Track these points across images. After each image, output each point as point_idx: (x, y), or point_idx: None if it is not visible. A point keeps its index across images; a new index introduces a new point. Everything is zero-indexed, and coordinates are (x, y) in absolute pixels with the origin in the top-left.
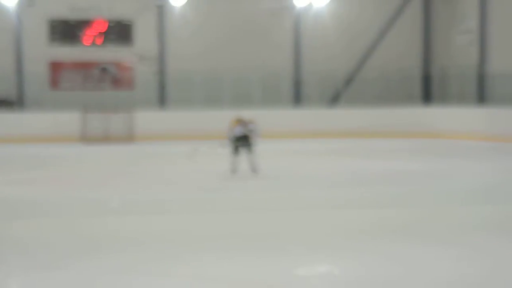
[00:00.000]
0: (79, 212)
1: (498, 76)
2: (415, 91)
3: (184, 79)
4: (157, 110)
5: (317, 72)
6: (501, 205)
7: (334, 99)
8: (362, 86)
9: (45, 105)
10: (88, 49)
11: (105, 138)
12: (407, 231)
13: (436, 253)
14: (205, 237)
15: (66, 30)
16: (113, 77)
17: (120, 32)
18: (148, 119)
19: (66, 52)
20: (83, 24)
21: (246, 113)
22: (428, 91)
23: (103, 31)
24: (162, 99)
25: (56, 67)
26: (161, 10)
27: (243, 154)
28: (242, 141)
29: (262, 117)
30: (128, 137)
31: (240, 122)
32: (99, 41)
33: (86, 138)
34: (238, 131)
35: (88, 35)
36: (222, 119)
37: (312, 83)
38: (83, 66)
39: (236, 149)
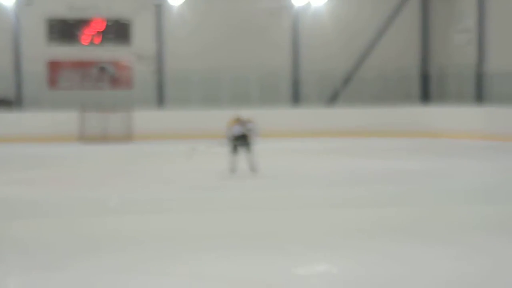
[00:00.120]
0: (78, 211)
1: (496, 75)
2: (414, 90)
3: (182, 78)
4: (155, 109)
5: (315, 71)
6: (501, 205)
7: (333, 98)
8: (361, 85)
9: (43, 105)
10: (86, 49)
11: (104, 138)
12: (406, 230)
13: (435, 253)
14: (203, 236)
15: (64, 30)
16: (111, 77)
17: (118, 31)
18: (146, 118)
19: (64, 52)
20: (81, 23)
21: (245, 112)
22: (426, 90)
23: (101, 30)
24: (160, 98)
25: (54, 67)
26: (159, 9)
27: (242, 153)
28: (241, 140)
29: (260, 116)
30: (127, 137)
31: (239, 121)
32: (97, 40)
33: (84, 137)
34: (237, 130)
35: (86, 34)
36: (221, 118)
37: (311, 82)
38: (82, 66)
39: (234, 148)
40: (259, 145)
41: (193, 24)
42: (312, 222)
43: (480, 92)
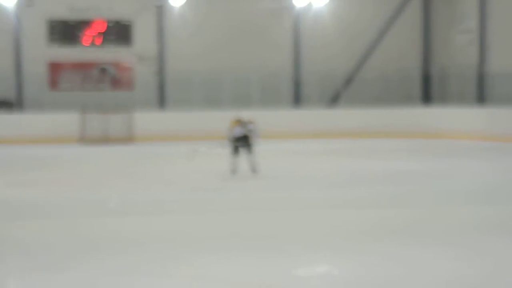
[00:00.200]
0: (79, 213)
1: (498, 76)
2: (415, 91)
3: (183, 80)
4: (156, 110)
5: (316, 72)
6: (501, 205)
7: (334, 99)
8: (362, 86)
9: (44, 106)
10: (87, 50)
11: (104, 139)
12: (406, 231)
13: (436, 253)
14: (204, 238)
15: (65, 31)
16: (113, 78)
17: (119, 32)
18: (147, 119)
19: (65, 53)
20: (82, 24)
21: (246, 114)
22: (428, 91)
23: (102, 31)
24: (161, 100)
25: (55, 68)
26: (161, 10)
27: (243, 155)
28: (242, 141)
29: (261, 118)
30: (128, 138)
31: (240, 122)
32: (98, 41)
33: (85, 138)
34: (238, 131)
35: (87, 36)
36: (222, 119)
37: (312, 83)
38: (82, 67)
39: (235, 150)
40: (260, 146)
41: (194, 25)
42: (313, 223)
43: (481, 93)
